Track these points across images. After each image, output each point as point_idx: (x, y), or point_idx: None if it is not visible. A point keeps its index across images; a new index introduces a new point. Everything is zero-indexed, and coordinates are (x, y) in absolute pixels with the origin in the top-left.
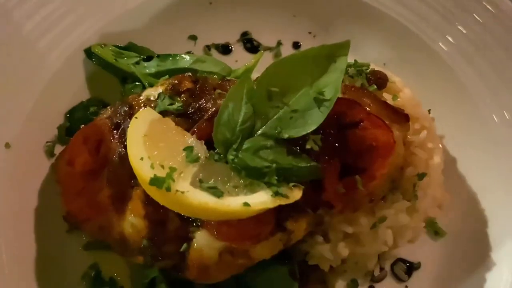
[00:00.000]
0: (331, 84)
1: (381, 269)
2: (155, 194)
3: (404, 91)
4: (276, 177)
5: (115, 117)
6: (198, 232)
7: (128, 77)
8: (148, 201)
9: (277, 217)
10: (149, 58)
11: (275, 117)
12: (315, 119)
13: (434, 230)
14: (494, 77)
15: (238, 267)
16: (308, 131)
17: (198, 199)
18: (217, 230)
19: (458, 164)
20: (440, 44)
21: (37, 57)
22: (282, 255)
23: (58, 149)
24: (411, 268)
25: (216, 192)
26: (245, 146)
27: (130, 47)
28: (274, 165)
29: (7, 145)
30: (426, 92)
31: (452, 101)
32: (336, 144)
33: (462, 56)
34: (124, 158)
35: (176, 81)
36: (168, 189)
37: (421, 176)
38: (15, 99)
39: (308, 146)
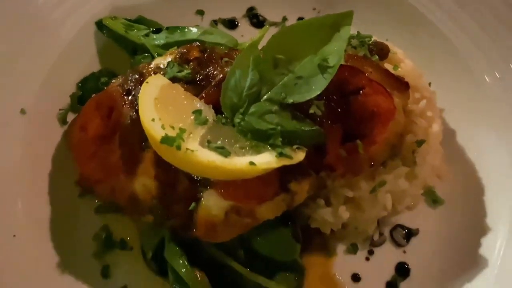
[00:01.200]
0: (335, 52)
1: (380, 234)
2: (166, 153)
3: (405, 62)
4: (280, 139)
5: (126, 84)
6: (206, 192)
7: (138, 48)
8: (158, 162)
9: (281, 178)
10: (158, 31)
11: (280, 83)
12: (319, 85)
13: (432, 198)
14: (496, 55)
15: (244, 226)
16: (312, 97)
17: (206, 157)
18: (224, 190)
19: (457, 136)
20: (444, 21)
21: (50, 28)
22: (286, 218)
23: (70, 117)
24: (409, 234)
25: (224, 151)
26: (251, 110)
27: (140, 20)
28: (279, 127)
29: (22, 111)
30: (428, 68)
31: (452, 76)
32: (339, 110)
33: (465, 34)
34: (135, 121)
35: (184, 50)
36: (178, 147)
37: (420, 143)
38: (30, 68)
39: (311, 111)
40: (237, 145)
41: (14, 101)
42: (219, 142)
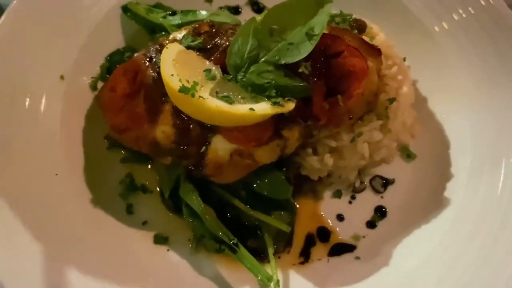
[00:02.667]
0: (319, 23)
1: (361, 182)
2: (182, 102)
3: (380, 35)
4: (274, 91)
5: (149, 53)
6: (215, 137)
7: (157, 28)
8: (176, 113)
9: (275, 126)
10: (173, 13)
11: (275, 48)
12: (306, 49)
13: (406, 153)
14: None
15: (245, 167)
16: (300, 58)
17: (215, 104)
18: (229, 135)
19: (428, 102)
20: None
21: (84, 10)
22: (280, 165)
23: (100, 85)
24: (386, 183)
25: (229, 100)
26: (251, 69)
27: (158, 6)
28: (273, 82)
29: (62, 77)
30: (403, 47)
31: (423, 51)
32: (322, 70)
33: (435, 18)
34: (157, 80)
35: (196, 25)
36: (193, 95)
37: (391, 100)
38: (67, 43)
39: (300, 70)
40: (240, 96)
41: (55, 69)
42: (225, 93)
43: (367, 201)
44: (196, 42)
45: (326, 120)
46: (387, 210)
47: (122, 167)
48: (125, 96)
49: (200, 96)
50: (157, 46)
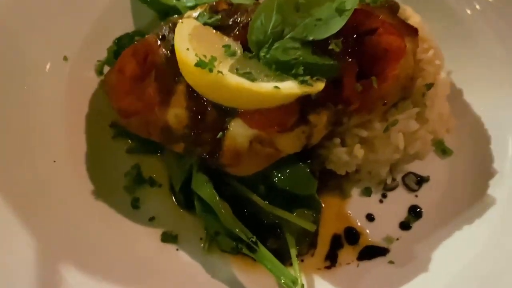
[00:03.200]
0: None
1: (393, 180)
2: (198, 79)
3: (414, 16)
4: (302, 68)
5: (161, 32)
6: (233, 121)
7: (170, 11)
8: (190, 94)
9: (301, 110)
10: None
11: (301, 24)
12: (336, 25)
13: (441, 149)
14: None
15: (266, 157)
16: (330, 34)
17: (235, 80)
18: (249, 118)
19: (464, 94)
20: None
21: None
22: (304, 157)
23: (106, 70)
24: (421, 180)
25: (250, 76)
26: (275, 46)
27: None
28: (300, 58)
29: (65, 58)
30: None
31: (455, 40)
32: (355, 48)
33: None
34: (170, 59)
35: (213, 3)
36: (211, 70)
37: (429, 86)
38: (75, 22)
39: (330, 47)
40: (263, 74)
41: (58, 48)
42: (247, 70)
43: (400, 200)
44: (213, 19)
45: (358, 104)
46: (422, 210)
47: (128, 158)
48: (134, 77)
49: (218, 71)
50: (170, 25)
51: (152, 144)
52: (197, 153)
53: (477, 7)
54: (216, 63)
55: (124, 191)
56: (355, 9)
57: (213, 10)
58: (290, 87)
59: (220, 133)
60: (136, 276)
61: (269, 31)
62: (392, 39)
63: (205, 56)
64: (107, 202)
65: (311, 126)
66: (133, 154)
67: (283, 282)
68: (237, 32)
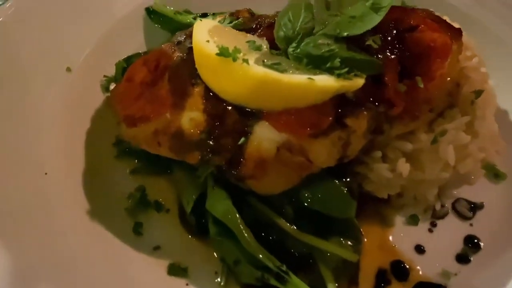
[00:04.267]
0: None
1: (442, 206)
2: (219, 71)
3: (454, 24)
4: (339, 60)
5: (177, 38)
6: (258, 124)
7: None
8: (208, 96)
9: (337, 112)
10: (204, 15)
11: (334, 21)
12: (373, 21)
13: (493, 173)
14: None
15: (295, 169)
16: (367, 29)
17: (262, 71)
18: (277, 120)
19: (510, 115)
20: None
21: (104, 4)
22: (339, 173)
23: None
24: (474, 207)
25: (280, 67)
26: (305, 41)
27: (186, 11)
28: (336, 51)
29: (68, 69)
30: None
31: (498, 61)
32: (395, 45)
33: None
34: (186, 60)
35: (234, 11)
36: (234, 59)
37: (479, 93)
38: (82, 34)
39: (367, 43)
40: (293, 66)
41: (62, 58)
42: (275, 61)
43: (453, 229)
44: (234, 23)
45: (402, 107)
46: (480, 240)
47: (133, 180)
48: (145, 83)
49: (243, 60)
50: (187, 32)
51: (159, 164)
52: (215, 163)
53: None
54: (239, 55)
55: (125, 214)
56: (393, 7)
57: (234, 17)
58: (325, 80)
59: (243, 138)
60: None
61: (298, 27)
62: (436, 36)
63: (227, 48)
64: (104, 225)
65: (348, 131)
66: (138, 175)
67: None
68: (261, 32)
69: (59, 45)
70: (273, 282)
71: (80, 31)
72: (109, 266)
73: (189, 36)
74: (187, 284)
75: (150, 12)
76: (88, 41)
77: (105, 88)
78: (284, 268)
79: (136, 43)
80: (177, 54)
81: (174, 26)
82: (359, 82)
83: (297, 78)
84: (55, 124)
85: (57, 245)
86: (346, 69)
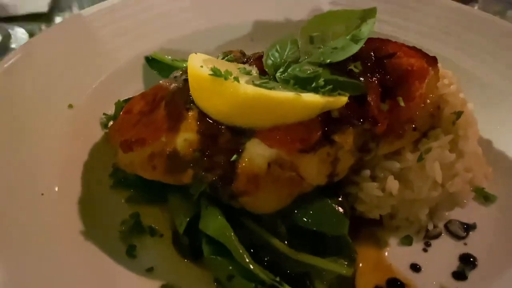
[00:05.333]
0: (364, 30)
1: (435, 227)
2: (211, 90)
3: None
4: (323, 80)
5: (173, 75)
6: (249, 142)
7: None
8: (202, 118)
9: (324, 129)
10: None
11: (318, 52)
12: (353, 49)
13: (483, 195)
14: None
15: (287, 185)
16: (347, 56)
17: (252, 88)
18: (268, 136)
19: (494, 144)
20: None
21: (107, 51)
22: (331, 192)
23: None
24: (467, 227)
25: (269, 85)
26: (292, 67)
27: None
28: (321, 72)
29: (70, 106)
30: None
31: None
32: (375, 69)
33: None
34: (182, 89)
35: (227, 52)
36: (226, 77)
37: (459, 114)
38: (84, 76)
39: (349, 67)
40: (281, 87)
41: (65, 96)
42: (264, 81)
43: (448, 248)
44: (226, 58)
45: (385, 124)
46: (476, 259)
47: (128, 208)
48: (142, 112)
49: (234, 78)
50: (183, 69)
51: (154, 192)
52: (208, 180)
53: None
54: (231, 76)
55: (119, 237)
56: (371, 38)
57: (227, 55)
58: (312, 95)
59: (235, 155)
60: None
61: (285, 56)
62: (413, 61)
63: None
64: (98, 246)
65: (336, 147)
66: (133, 203)
67: None
68: (251, 62)
69: (64, 83)
70: None
71: (84, 72)
72: (102, 285)
73: (185, 72)
74: None
75: (149, 60)
76: (91, 82)
77: (104, 125)
78: (278, 279)
79: (135, 87)
80: (174, 85)
81: (171, 72)
82: (343, 99)
83: (285, 94)
84: (54, 154)
85: (51, 263)
86: (330, 87)
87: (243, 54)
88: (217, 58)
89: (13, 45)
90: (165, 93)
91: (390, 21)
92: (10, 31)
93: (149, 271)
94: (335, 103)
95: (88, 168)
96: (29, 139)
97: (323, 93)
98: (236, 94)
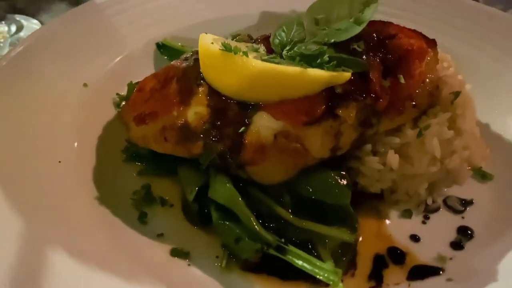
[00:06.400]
0: (367, 13)
1: (433, 201)
2: (221, 65)
3: None
4: (328, 57)
5: (184, 56)
6: (256, 115)
7: None
8: (211, 93)
9: (328, 104)
10: None
11: (322, 33)
12: (355, 30)
13: (481, 174)
14: None
15: (292, 156)
16: (350, 36)
17: (260, 63)
18: (274, 109)
19: (491, 127)
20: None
21: (120, 36)
22: (334, 165)
23: None
24: (465, 203)
25: (276, 60)
26: (298, 46)
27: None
28: (325, 47)
29: (85, 85)
30: None
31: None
32: (377, 49)
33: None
34: (193, 66)
35: (235, 33)
36: (236, 52)
37: (457, 94)
38: (101, 57)
39: (352, 47)
40: (288, 63)
41: (80, 75)
42: (271, 56)
43: (446, 221)
44: (235, 39)
45: (387, 100)
46: (473, 231)
47: (139, 180)
48: (154, 89)
49: (243, 52)
50: (193, 51)
51: (165, 165)
52: (217, 149)
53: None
54: (240, 52)
55: (131, 205)
56: (373, 20)
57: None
58: (317, 70)
59: (243, 127)
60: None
61: (291, 36)
62: (413, 41)
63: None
64: (112, 211)
65: (339, 121)
66: (144, 176)
67: (322, 278)
68: (260, 41)
69: (79, 65)
70: (272, 252)
71: (99, 55)
72: (115, 244)
73: (195, 53)
74: (189, 265)
75: (160, 47)
76: (105, 65)
77: (117, 105)
78: (283, 240)
79: (147, 71)
80: (184, 64)
81: None
82: (347, 75)
83: (292, 68)
84: (70, 127)
85: (67, 224)
86: (334, 62)
87: (251, 37)
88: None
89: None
90: (176, 72)
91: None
92: (23, 21)
93: (159, 236)
94: (339, 78)
95: (102, 141)
96: (48, 113)
97: (328, 69)
98: (245, 67)
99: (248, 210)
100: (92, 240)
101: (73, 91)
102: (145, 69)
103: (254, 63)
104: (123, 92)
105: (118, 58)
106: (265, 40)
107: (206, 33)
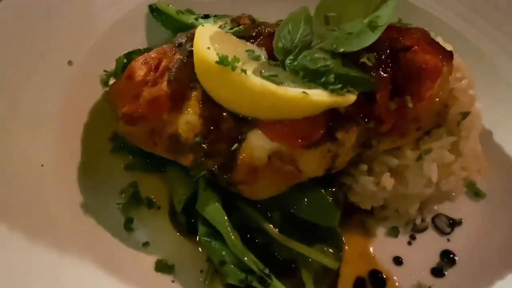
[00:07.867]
0: (383, 15)
1: (422, 220)
2: (218, 78)
3: (446, 46)
4: (333, 76)
5: (178, 40)
6: (251, 132)
7: (186, 30)
8: (205, 100)
9: (329, 125)
10: (206, 16)
11: (331, 37)
12: (369, 39)
13: (474, 191)
14: None
15: (285, 177)
16: (362, 47)
17: (259, 82)
18: (270, 129)
19: (494, 136)
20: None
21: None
22: (326, 183)
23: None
24: (453, 223)
25: (277, 79)
26: (303, 54)
27: (189, 11)
28: (331, 66)
29: (70, 63)
30: None
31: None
32: (388, 64)
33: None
34: (186, 63)
35: (235, 17)
36: (233, 68)
37: (465, 114)
38: (85, 27)
39: (362, 60)
40: (289, 80)
41: (64, 52)
42: (272, 73)
43: (431, 243)
44: (235, 29)
45: (391, 124)
46: (456, 256)
47: (126, 175)
48: (145, 82)
49: (242, 70)
50: (188, 34)
51: (153, 161)
52: (208, 166)
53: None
54: (238, 64)
55: (117, 209)
56: (389, 26)
57: (235, 23)
58: (319, 94)
59: (236, 144)
60: None
61: (296, 40)
62: (428, 58)
63: (227, 56)
64: (96, 218)
65: (338, 144)
66: (132, 171)
67: None
68: (261, 41)
69: (62, 39)
70: (255, 284)
71: (83, 26)
72: (98, 258)
73: (191, 38)
74: (172, 281)
75: (153, 10)
76: (91, 36)
77: (105, 83)
78: (267, 271)
79: (137, 40)
80: (178, 56)
81: (176, 26)
82: (351, 98)
83: (292, 91)
84: (53, 116)
85: (48, 233)
86: (339, 86)
87: (253, 21)
88: (225, 25)
89: None
90: (168, 62)
91: None
92: None
93: (145, 246)
94: (342, 102)
95: (88, 130)
96: (28, 99)
97: (332, 91)
98: (242, 86)
99: (235, 232)
100: (75, 256)
101: (56, 72)
102: (136, 37)
103: (253, 81)
104: (111, 67)
105: (107, 26)
106: (268, 38)
107: (203, 24)
